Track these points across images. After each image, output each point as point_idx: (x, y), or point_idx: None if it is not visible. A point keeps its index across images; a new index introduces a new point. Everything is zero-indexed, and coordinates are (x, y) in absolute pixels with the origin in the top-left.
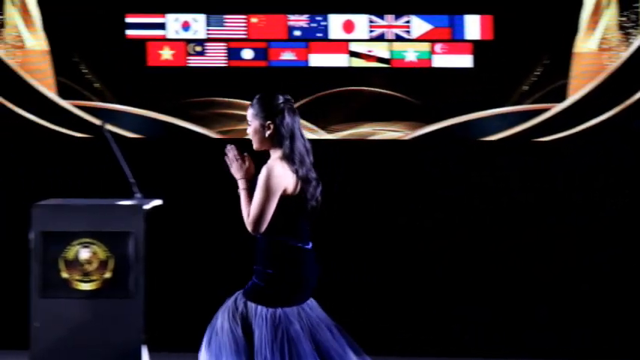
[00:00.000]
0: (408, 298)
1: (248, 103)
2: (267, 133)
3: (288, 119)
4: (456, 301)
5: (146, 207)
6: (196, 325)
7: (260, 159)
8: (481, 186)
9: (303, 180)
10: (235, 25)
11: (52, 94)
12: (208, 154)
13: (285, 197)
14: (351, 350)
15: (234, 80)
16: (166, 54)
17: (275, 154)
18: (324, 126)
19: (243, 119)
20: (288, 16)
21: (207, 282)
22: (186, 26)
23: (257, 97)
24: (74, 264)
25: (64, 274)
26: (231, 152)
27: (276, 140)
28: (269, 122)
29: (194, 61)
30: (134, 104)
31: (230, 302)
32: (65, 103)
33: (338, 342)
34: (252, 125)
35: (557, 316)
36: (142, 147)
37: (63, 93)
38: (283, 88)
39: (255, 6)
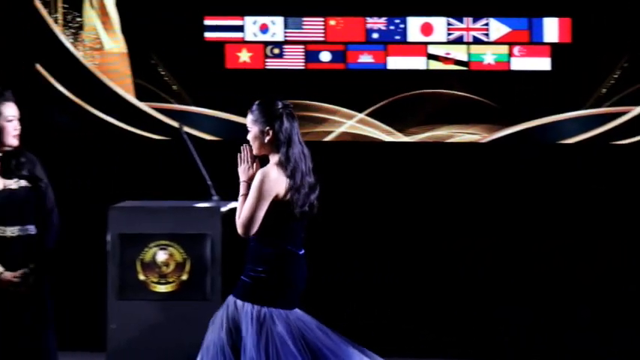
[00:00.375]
0: (448, 301)
1: (326, 105)
2: (267, 138)
3: (286, 125)
4: (497, 302)
5: (223, 209)
6: None
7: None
8: (558, 188)
9: (294, 187)
10: (313, 27)
11: (130, 97)
12: None
13: (276, 202)
14: (352, 347)
15: (311, 83)
16: (244, 56)
17: (272, 160)
18: (401, 129)
19: (320, 122)
20: (367, 18)
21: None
22: (264, 29)
23: (256, 103)
24: (151, 266)
25: (141, 276)
26: (243, 152)
27: (275, 146)
28: (268, 128)
29: (272, 64)
30: (212, 106)
31: (222, 308)
32: (143, 106)
33: (332, 340)
34: (251, 131)
35: (599, 317)
36: (219, 149)
37: (141, 95)
38: (361, 90)
39: (334, 9)
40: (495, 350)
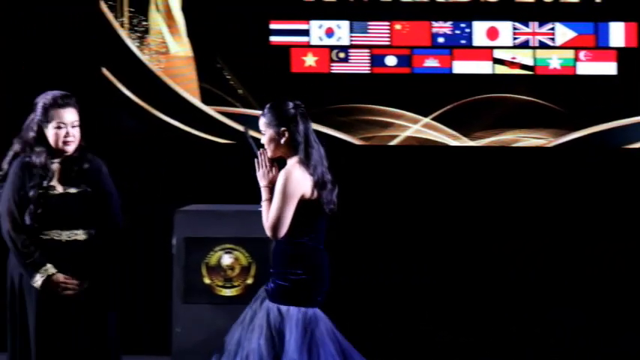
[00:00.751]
0: (499, 303)
1: (392, 109)
2: (283, 140)
3: (301, 125)
4: (550, 304)
5: None
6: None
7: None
8: (622, 193)
9: (318, 185)
10: (379, 31)
11: (195, 100)
12: (351, 160)
13: (304, 201)
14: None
15: (377, 87)
16: (310, 60)
17: (291, 160)
18: (467, 133)
19: (386, 126)
20: (432, 23)
21: (349, 289)
22: (329, 33)
23: (268, 105)
24: (216, 270)
25: (206, 280)
26: (261, 156)
27: (291, 147)
28: (283, 129)
29: (337, 68)
30: None
31: (260, 320)
32: (208, 109)
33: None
34: (266, 134)
35: None
36: None
37: (206, 99)
38: (426, 95)
39: (399, 13)
40: (547, 353)
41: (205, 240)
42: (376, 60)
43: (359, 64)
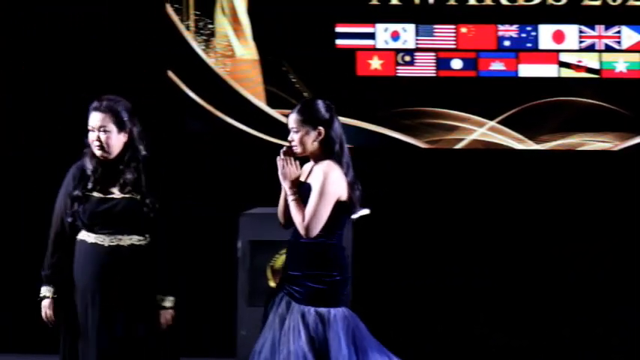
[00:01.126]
0: (560, 304)
1: (457, 113)
2: (318, 138)
3: (337, 124)
4: (612, 304)
5: (353, 216)
6: (400, 336)
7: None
8: None
9: (351, 185)
10: (445, 34)
11: (261, 103)
12: (416, 164)
13: (338, 202)
14: None
15: (442, 90)
16: (375, 63)
17: (326, 160)
18: (532, 136)
19: (451, 129)
20: (498, 26)
21: (412, 295)
22: (395, 36)
23: (303, 102)
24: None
25: (272, 283)
26: (282, 155)
27: (325, 146)
28: (320, 128)
29: (403, 71)
30: (342, 114)
31: (294, 322)
32: (274, 112)
33: None
34: (299, 131)
35: None
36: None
37: (272, 102)
38: (492, 98)
39: (465, 16)
40: (610, 354)
41: (270, 243)
42: (442, 63)
43: (424, 67)
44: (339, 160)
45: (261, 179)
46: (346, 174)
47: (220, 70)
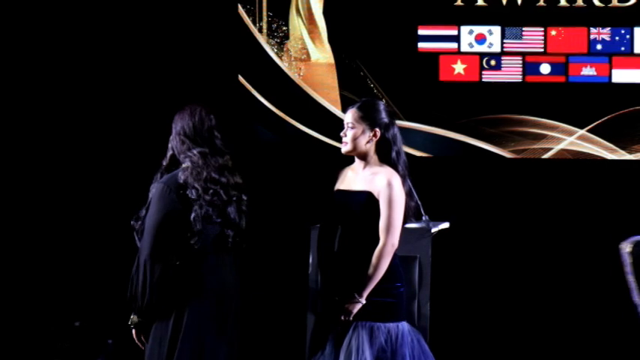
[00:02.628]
0: None
1: (545, 120)
2: (373, 140)
3: (395, 131)
4: None
5: (434, 230)
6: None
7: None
8: None
9: (407, 194)
10: (533, 38)
11: (336, 110)
12: (501, 174)
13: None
14: None
15: (530, 96)
16: (459, 68)
17: (379, 166)
18: (625, 146)
19: (538, 138)
20: (590, 29)
21: (494, 312)
22: (480, 39)
23: (365, 100)
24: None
25: None
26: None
27: (379, 149)
28: (376, 129)
29: (488, 76)
30: (423, 121)
31: (358, 341)
32: None
33: None
34: (355, 128)
35: None
36: (429, 166)
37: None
38: (582, 105)
39: (555, 18)
40: None
41: None
42: (529, 68)
43: (511, 72)
44: (395, 169)
45: (332, 187)
46: (404, 183)
47: (294, 75)
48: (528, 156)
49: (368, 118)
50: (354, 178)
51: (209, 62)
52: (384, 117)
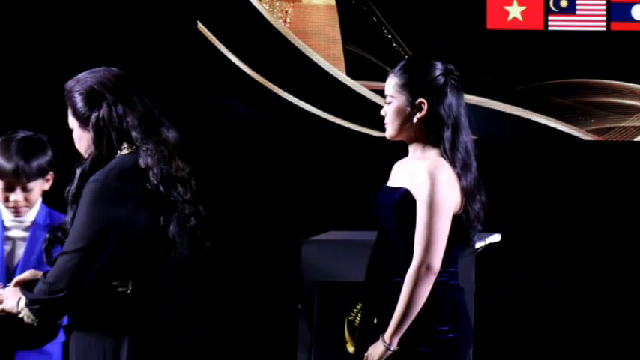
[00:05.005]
0: None
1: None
2: (418, 115)
3: (451, 99)
4: None
5: (479, 245)
6: None
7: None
8: None
9: (467, 193)
10: None
11: (337, 72)
12: (576, 163)
13: (453, 216)
14: None
15: (617, 52)
16: (515, 11)
17: (430, 152)
18: None
19: (630, 112)
20: None
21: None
22: None
23: (409, 60)
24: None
25: (350, 347)
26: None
27: (429, 128)
28: (421, 100)
29: (557, 23)
30: (465, 88)
31: None
32: (356, 85)
33: None
34: (394, 102)
35: None
36: None
37: (354, 70)
38: None
39: None
40: None
41: (348, 285)
42: (617, 11)
43: (590, 17)
44: (450, 155)
45: (335, 186)
46: (460, 176)
47: (277, 22)
48: (615, 138)
49: (409, 84)
50: (400, 171)
51: (165, 7)
52: (436, 78)
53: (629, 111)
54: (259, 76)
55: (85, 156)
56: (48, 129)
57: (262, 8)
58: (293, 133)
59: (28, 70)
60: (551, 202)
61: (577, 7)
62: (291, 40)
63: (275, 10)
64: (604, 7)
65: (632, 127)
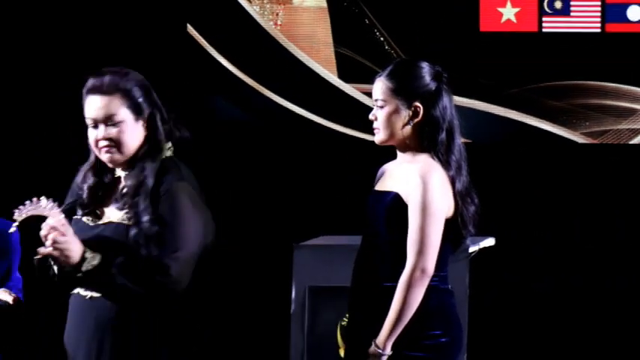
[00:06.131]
0: None
1: (636, 89)
2: (414, 120)
3: (445, 101)
4: None
5: (472, 249)
6: None
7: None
8: None
9: (461, 195)
10: None
11: (329, 75)
12: (571, 167)
13: (447, 220)
14: None
15: (612, 54)
16: (509, 13)
17: (416, 154)
18: None
19: (625, 114)
20: None
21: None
22: None
23: (397, 63)
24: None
25: (343, 352)
26: None
27: (423, 133)
28: (416, 104)
29: (552, 25)
30: (458, 91)
31: None
32: (348, 88)
33: None
34: (386, 106)
35: None
36: (468, 156)
37: (346, 73)
38: None
39: None
40: None
41: (341, 290)
42: (612, 12)
43: (585, 18)
44: (445, 158)
45: (327, 190)
46: (454, 178)
47: (268, 24)
48: (611, 141)
49: (403, 88)
50: (390, 175)
51: (157, 8)
52: (428, 82)
53: (624, 113)
54: (250, 79)
55: (129, 151)
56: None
57: (253, 10)
58: (284, 137)
59: (11, 72)
60: (546, 205)
61: (571, 9)
62: (282, 42)
63: (266, 13)
64: (599, 9)
65: (627, 129)
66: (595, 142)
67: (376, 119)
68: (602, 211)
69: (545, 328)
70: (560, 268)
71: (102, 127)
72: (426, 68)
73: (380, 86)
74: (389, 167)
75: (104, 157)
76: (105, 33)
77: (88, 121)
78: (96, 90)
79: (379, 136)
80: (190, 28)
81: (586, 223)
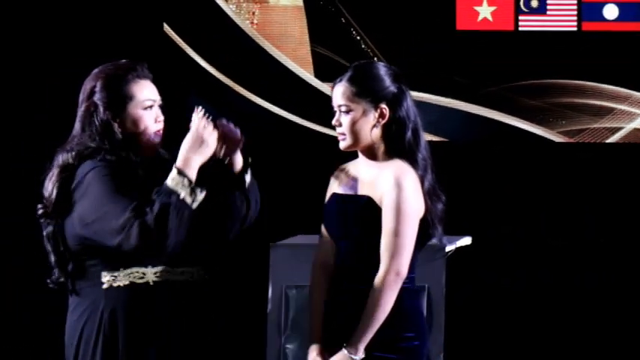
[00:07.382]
0: None
1: (612, 88)
2: (381, 121)
3: (408, 102)
4: None
5: (449, 248)
6: None
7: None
8: None
9: (429, 193)
10: None
11: (306, 74)
12: (547, 166)
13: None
14: None
15: (588, 52)
16: (485, 11)
17: (390, 159)
18: None
19: (601, 113)
20: None
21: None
22: None
23: (357, 66)
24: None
25: None
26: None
27: (389, 135)
28: (382, 106)
29: (528, 23)
30: (434, 90)
31: None
32: (325, 87)
33: None
34: (352, 111)
35: None
36: (444, 155)
37: (322, 72)
38: None
39: None
40: None
41: None
42: (588, 11)
43: (561, 17)
44: (411, 158)
45: (303, 189)
46: (423, 178)
47: (244, 23)
48: (587, 139)
49: (367, 91)
50: (356, 178)
51: (134, 10)
52: (390, 84)
53: (600, 112)
54: (226, 79)
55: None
56: None
57: (229, 10)
58: (260, 136)
59: None
60: (524, 204)
61: (548, 7)
62: (258, 41)
63: (242, 12)
64: (575, 7)
65: (603, 128)
66: (572, 140)
67: (340, 125)
68: (579, 210)
69: (520, 324)
70: (537, 267)
71: (156, 107)
72: (385, 70)
73: (342, 91)
74: (352, 170)
75: (158, 138)
76: (81, 32)
77: (148, 102)
78: (150, 78)
79: (345, 142)
80: (167, 28)
81: (564, 222)
